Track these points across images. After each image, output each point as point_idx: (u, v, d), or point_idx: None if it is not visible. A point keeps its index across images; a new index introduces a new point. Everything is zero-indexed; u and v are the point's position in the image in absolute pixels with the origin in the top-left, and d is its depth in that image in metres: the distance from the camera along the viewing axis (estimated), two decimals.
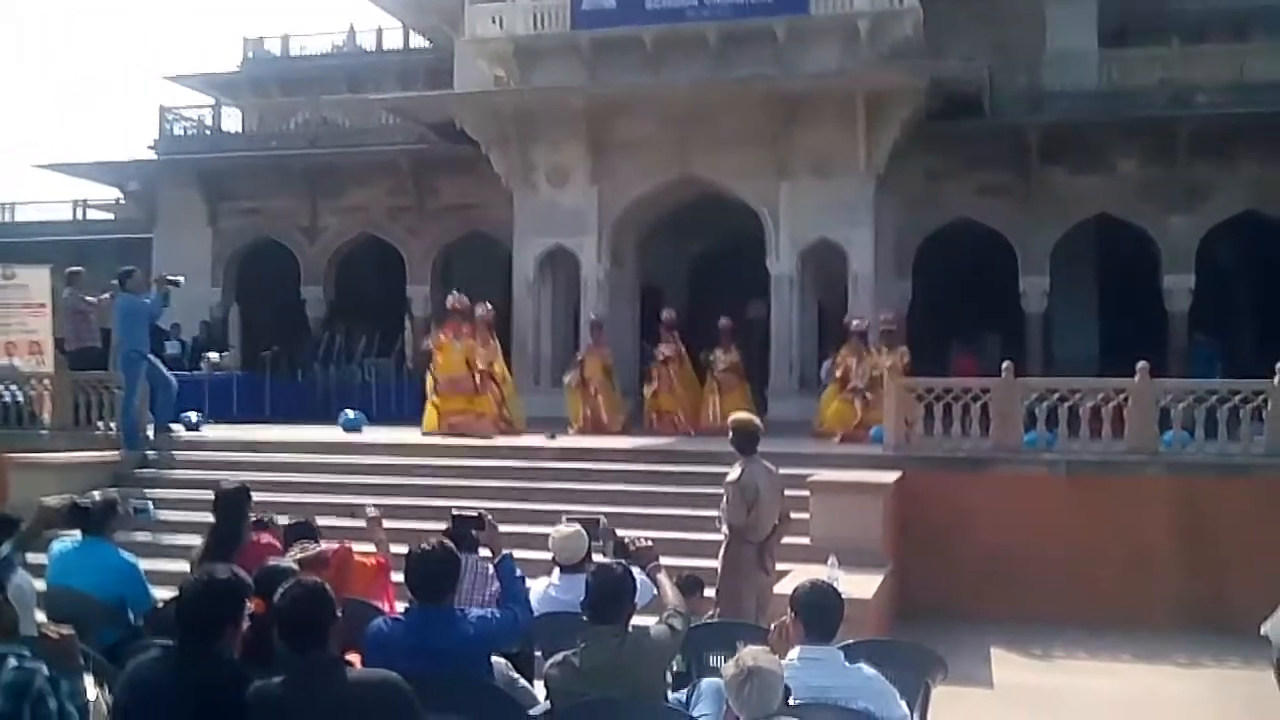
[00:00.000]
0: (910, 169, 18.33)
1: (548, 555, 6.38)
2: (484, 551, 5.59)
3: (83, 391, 12.75)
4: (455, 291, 14.73)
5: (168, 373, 12.91)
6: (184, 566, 6.75)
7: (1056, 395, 10.70)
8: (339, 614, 3.96)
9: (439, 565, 4.52)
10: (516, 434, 13.75)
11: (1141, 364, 10.45)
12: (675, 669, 5.00)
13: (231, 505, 6.32)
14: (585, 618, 4.47)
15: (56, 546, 6.33)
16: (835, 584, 5.42)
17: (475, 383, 13.70)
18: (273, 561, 5.19)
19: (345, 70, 28.64)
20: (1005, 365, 10.81)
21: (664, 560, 5.45)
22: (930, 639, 5.98)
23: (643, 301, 19.91)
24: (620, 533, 5.95)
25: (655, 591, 5.21)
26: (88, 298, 13.39)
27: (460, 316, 14.07)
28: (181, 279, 12.99)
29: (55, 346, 13.96)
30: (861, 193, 17.47)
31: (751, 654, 3.64)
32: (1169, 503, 9.98)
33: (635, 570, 4.82)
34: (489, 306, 14.69)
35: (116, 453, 12.04)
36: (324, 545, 5.95)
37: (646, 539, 5.39)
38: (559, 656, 4.36)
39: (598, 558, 5.69)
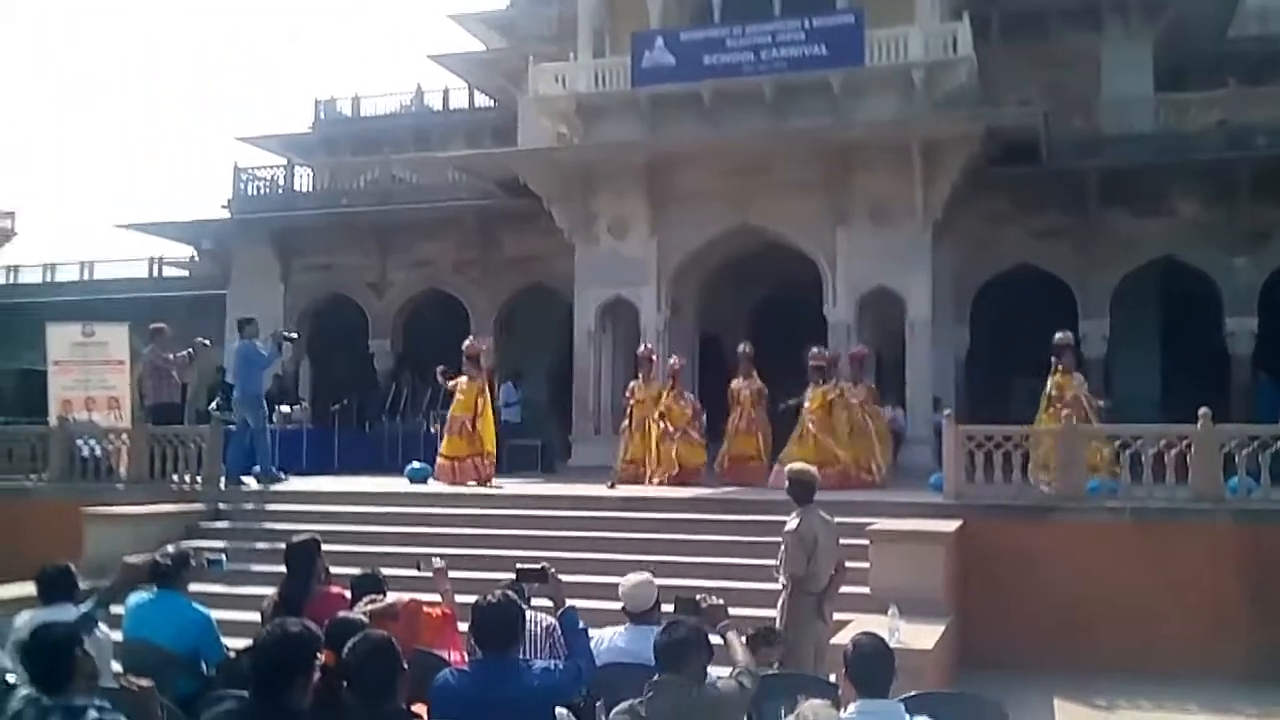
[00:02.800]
0: (968, 215, 18.38)
1: (610, 605, 6.49)
2: (542, 601, 5.69)
3: (159, 445, 13.11)
4: (473, 337, 15.44)
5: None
6: (255, 617, 6.94)
7: (1119, 441, 10.63)
8: (405, 666, 4.09)
9: (504, 617, 4.60)
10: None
11: (1204, 410, 10.37)
12: None
13: (302, 557, 6.44)
14: (657, 670, 4.46)
15: (132, 599, 6.51)
16: (897, 634, 5.48)
17: (472, 427, 14.24)
18: (342, 614, 5.33)
19: (413, 129, 29.37)
20: (1064, 412, 10.76)
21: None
22: (993, 689, 5.98)
23: (702, 349, 20.07)
24: (679, 583, 5.97)
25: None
26: (169, 354, 13.86)
27: (474, 363, 14.56)
28: (296, 334, 13.76)
29: (139, 402, 14.44)
30: (918, 240, 17.54)
31: (811, 709, 3.67)
32: (1236, 550, 9.83)
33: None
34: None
35: (190, 505, 12.37)
36: (391, 597, 6.09)
37: (717, 598, 5.41)
38: (624, 704, 4.40)
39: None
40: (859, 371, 14.49)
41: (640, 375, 15.20)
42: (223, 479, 13.10)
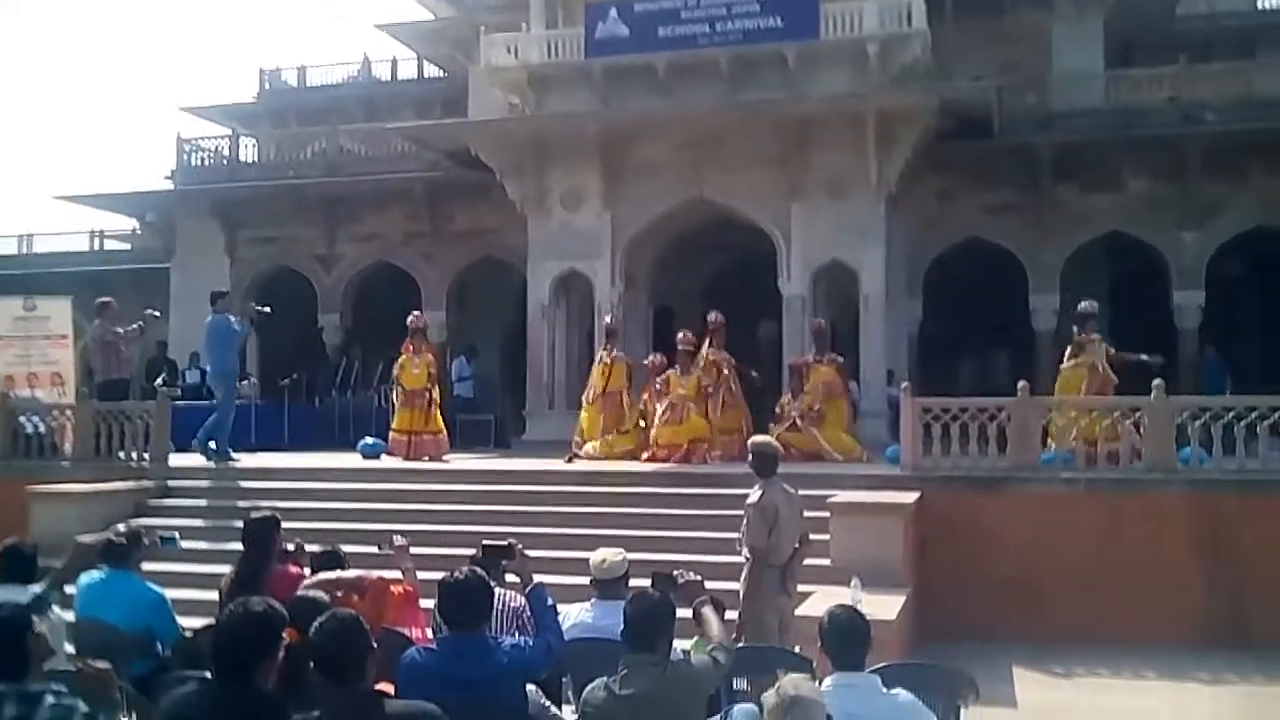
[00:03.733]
0: (921, 189, 18.48)
1: (572, 580, 6.43)
2: (510, 577, 5.62)
3: (104, 422, 12.84)
4: (416, 311, 15.40)
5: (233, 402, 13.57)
6: (209, 595, 6.82)
7: (1073, 413, 10.73)
8: (374, 645, 4.01)
9: (472, 594, 4.54)
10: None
11: (1158, 381, 10.51)
12: None
13: (261, 534, 6.31)
14: (625, 645, 4.46)
15: (84, 579, 6.40)
16: (860, 605, 5.47)
17: (427, 400, 14.24)
18: (304, 591, 5.23)
19: (361, 100, 28.93)
20: (1021, 384, 10.84)
21: None
22: (952, 659, 6.01)
23: (656, 322, 20.03)
24: (642, 557, 5.92)
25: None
26: (117, 329, 13.56)
27: (421, 335, 14.58)
28: (269, 309, 13.96)
29: (87, 377, 14.14)
30: (873, 214, 17.57)
31: (793, 682, 3.63)
32: (1188, 520, 9.97)
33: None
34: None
35: (138, 483, 12.14)
36: (355, 573, 5.98)
37: (694, 573, 5.37)
38: (598, 682, 4.35)
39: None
40: (822, 345, 14.43)
41: (609, 347, 14.73)
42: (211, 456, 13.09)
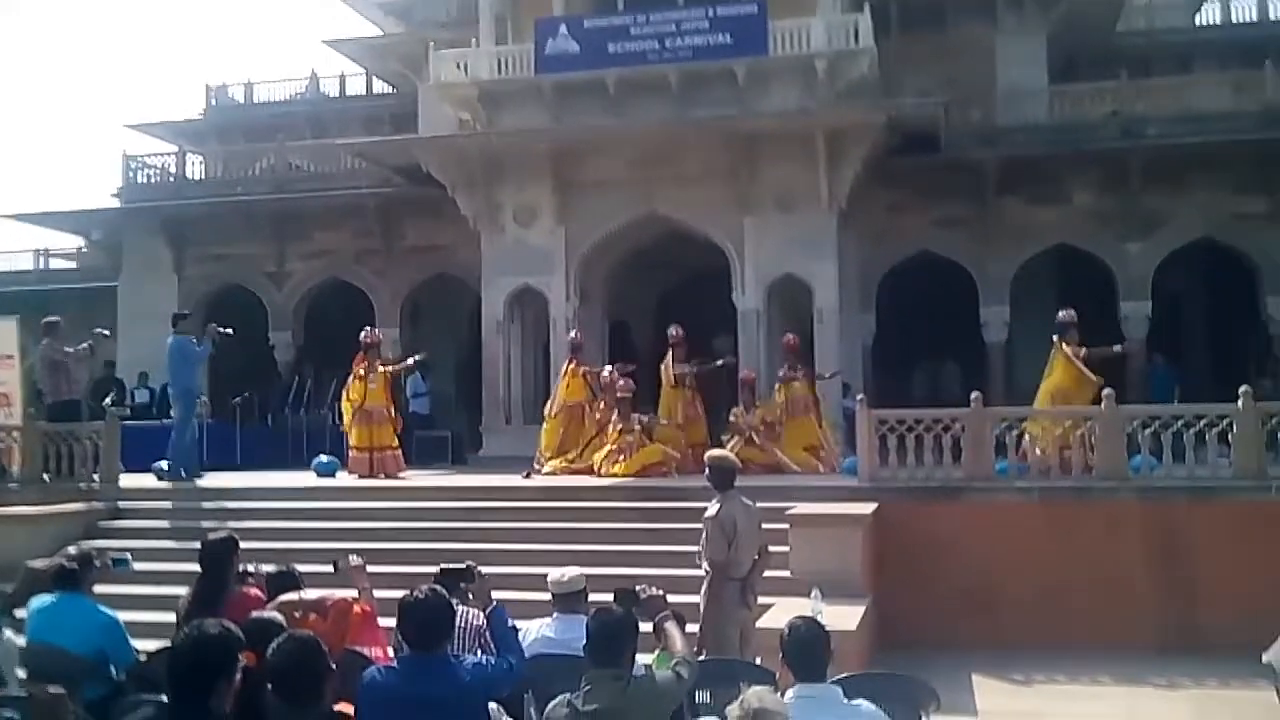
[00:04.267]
0: (871, 204, 18.67)
1: (532, 596, 6.40)
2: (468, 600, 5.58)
3: (52, 443, 12.62)
4: (369, 327, 15.46)
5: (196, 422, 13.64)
6: (163, 618, 6.70)
7: (1025, 423, 10.86)
8: (332, 666, 3.96)
9: (433, 612, 4.48)
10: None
11: (1108, 391, 10.67)
12: None
13: (218, 555, 6.24)
14: (587, 660, 4.44)
15: (35, 602, 6.29)
16: (819, 617, 5.50)
17: (389, 415, 14.26)
18: (260, 613, 5.17)
19: (309, 116, 28.67)
20: (975, 395, 10.96)
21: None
22: (911, 668, 6.04)
23: (611, 337, 20.04)
24: (602, 572, 5.92)
25: None
26: (66, 349, 13.35)
27: (375, 350, 14.56)
28: (230, 330, 13.94)
29: (35, 398, 13.88)
30: (824, 227, 17.72)
31: (756, 695, 3.65)
32: (1141, 527, 10.12)
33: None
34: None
35: (88, 504, 11.94)
36: (315, 594, 5.91)
37: (656, 588, 5.37)
38: (561, 699, 4.33)
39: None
40: (794, 359, 14.57)
41: (573, 363, 14.80)
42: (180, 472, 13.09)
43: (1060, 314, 12.66)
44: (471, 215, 18.86)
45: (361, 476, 13.67)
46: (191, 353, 13.33)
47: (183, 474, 13.19)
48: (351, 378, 14.43)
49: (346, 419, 14.42)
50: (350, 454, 14.11)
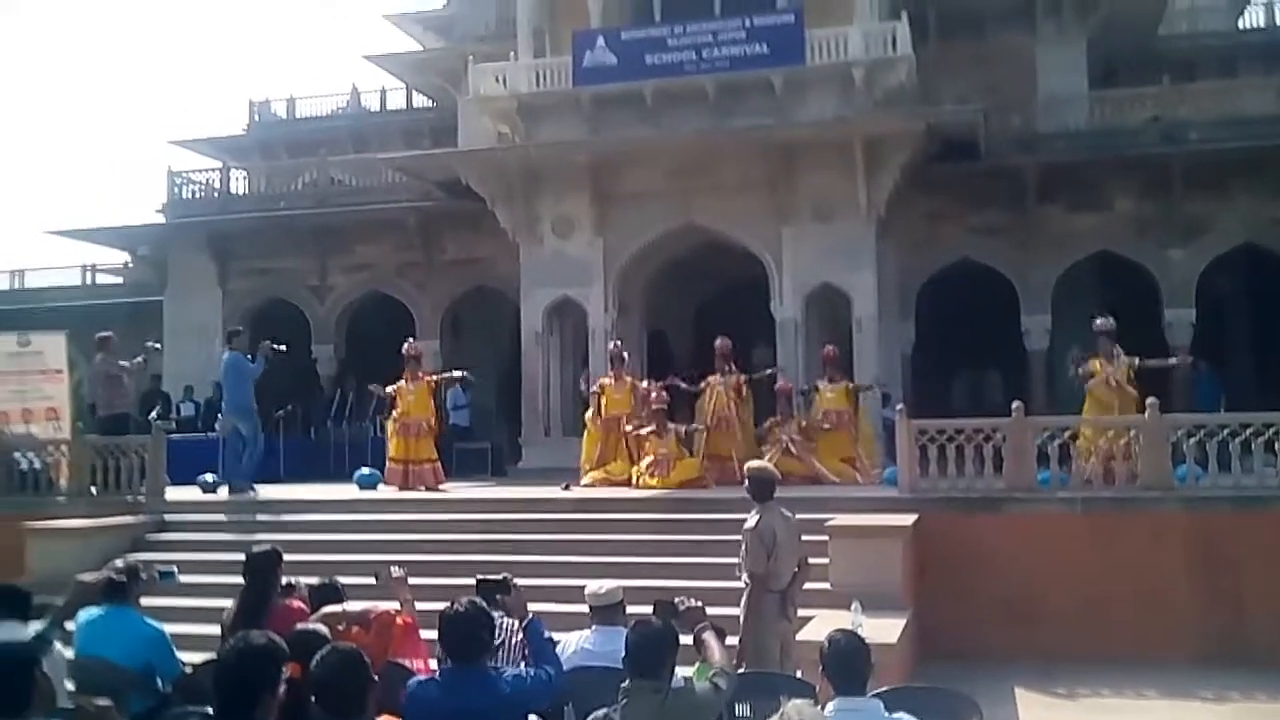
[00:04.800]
0: (910, 212, 18.58)
1: (571, 608, 6.42)
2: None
3: (100, 457, 12.81)
4: (410, 339, 15.54)
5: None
6: (209, 630, 6.79)
7: (1068, 433, 10.77)
8: (375, 678, 4.00)
9: (473, 625, 4.52)
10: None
11: (1152, 400, 10.56)
12: None
13: (263, 568, 6.29)
14: (627, 672, 4.44)
15: (83, 615, 6.36)
16: (860, 629, 5.48)
17: (425, 427, 14.31)
18: (304, 625, 5.21)
19: (350, 131, 29.03)
20: (1016, 405, 10.88)
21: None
22: (953, 681, 6.01)
23: (650, 346, 20.06)
24: (641, 584, 5.91)
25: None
26: (121, 362, 13.63)
27: (416, 363, 14.60)
28: (285, 347, 14.37)
29: (87, 412, 14.17)
30: (863, 236, 17.66)
31: (796, 708, 3.63)
32: (1186, 538, 10.00)
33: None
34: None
35: (135, 517, 12.11)
36: (359, 606, 5.96)
37: (695, 599, 5.37)
38: (600, 712, 4.34)
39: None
40: (834, 370, 14.59)
41: (612, 374, 14.81)
42: (224, 486, 13.35)
43: (1096, 321, 12.48)
44: (510, 227, 18.96)
45: (399, 489, 13.77)
46: (246, 369, 13.61)
47: (250, 488, 13.46)
48: (394, 390, 14.54)
49: (390, 430, 14.55)
50: (387, 466, 14.22)
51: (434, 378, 14.92)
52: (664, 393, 14.07)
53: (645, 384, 14.49)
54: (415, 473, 13.99)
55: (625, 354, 15.27)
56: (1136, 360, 12.08)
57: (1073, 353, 13.07)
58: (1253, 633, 9.46)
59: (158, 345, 15.19)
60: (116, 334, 14.41)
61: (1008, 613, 9.76)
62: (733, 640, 7.11)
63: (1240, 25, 26.39)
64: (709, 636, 5.03)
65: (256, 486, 13.63)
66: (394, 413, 14.51)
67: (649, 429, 13.67)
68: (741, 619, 7.27)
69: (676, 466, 13.32)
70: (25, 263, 32.74)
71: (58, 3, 78.97)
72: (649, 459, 13.48)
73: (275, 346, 13.97)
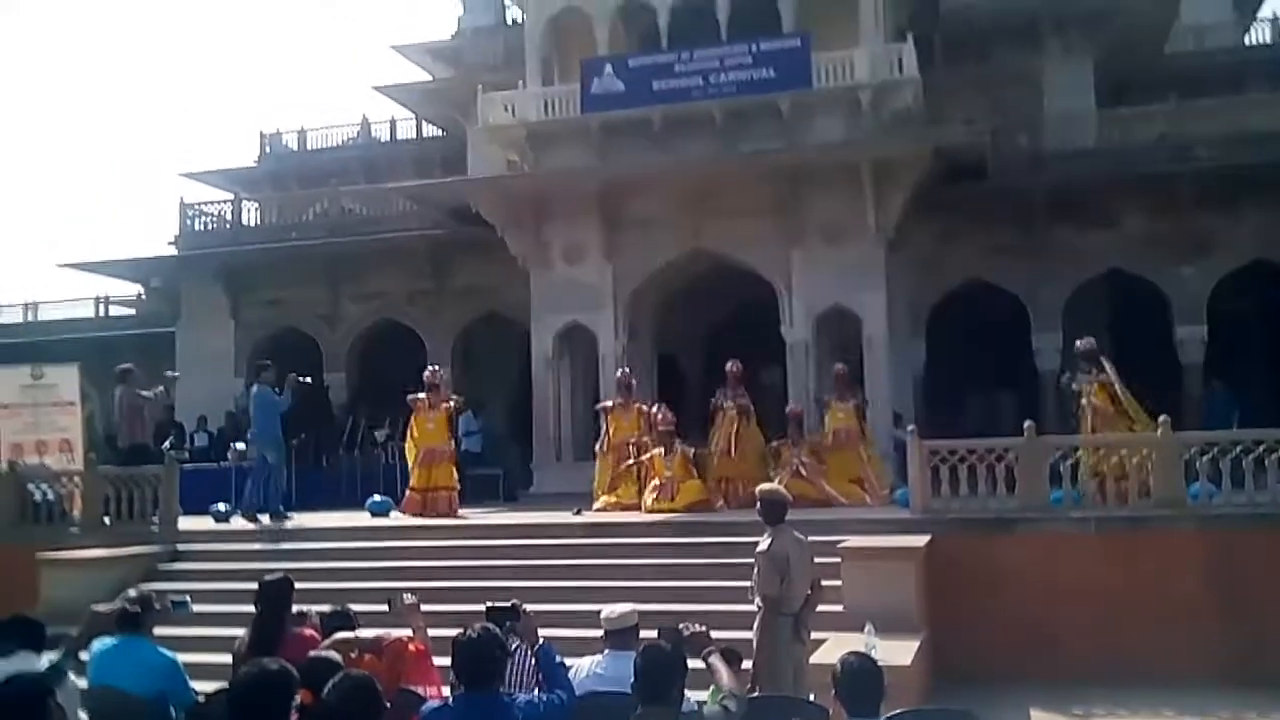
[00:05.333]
0: (919, 233, 18.61)
1: (584, 633, 6.42)
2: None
3: (114, 487, 12.85)
4: (432, 366, 15.61)
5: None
6: (222, 659, 6.78)
7: (1080, 452, 10.73)
8: (388, 705, 4.01)
9: (485, 651, 4.53)
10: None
11: (1164, 418, 10.52)
12: None
13: (275, 596, 6.31)
14: (636, 697, 4.45)
15: (96, 645, 6.38)
16: (873, 652, 5.47)
17: (445, 454, 14.31)
18: (318, 652, 5.23)
19: (361, 161, 29.21)
20: (1027, 424, 10.86)
21: None
22: (969, 703, 5.99)
23: (660, 371, 20.08)
24: (653, 608, 5.91)
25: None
26: (142, 392, 13.76)
27: (436, 391, 14.57)
28: (309, 379, 14.69)
29: (106, 443, 14.28)
30: (872, 258, 17.68)
31: None
32: (1201, 556, 9.93)
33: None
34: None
35: (148, 547, 12.13)
36: (372, 633, 5.97)
37: (700, 625, 5.37)
38: None
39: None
40: (845, 389, 14.58)
41: (621, 400, 14.74)
42: (265, 515, 13.50)
43: (1077, 344, 12.61)
44: (520, 254, 19.05)
45: (414, 516, 13.77)
46: (274, 402, 13.86)
47: (282, 513, 13.67)
48: (414, 417, 14.47)
49: (410, 459, 14.45)
50: (407, 494, 14.22)
51: (448, 404, 14.87)
52: (670, 413, 14.04)
53: (655, 408, 14.44)
54: (431, 499, 13.98)
55: (634, 381, 15.32)
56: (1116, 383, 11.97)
57: (1064, 378, 13.17)
58: (1269, 651, 9.38)
59: (175, 374, 15.35)
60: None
61: (1023, 634, 9.70)
62: (748, 664, 7.10)
63: (1247, 42, 26.43)
64: (715, 660, 5.04)
65: (266, 515, 13.69)
66: (410, 439, 14.45)
67: (655, 451, 13.65)
68: (755, 642, 7.23)
69: (681, 490, 13.26)
70: (38, 296, 33.07)
71: (70, 36, 79.84)
72: (654, 482, 13.46)
73: (301, 379, 14.22)
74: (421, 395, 14.43)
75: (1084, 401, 12.15)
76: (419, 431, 14.38)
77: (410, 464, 14.47)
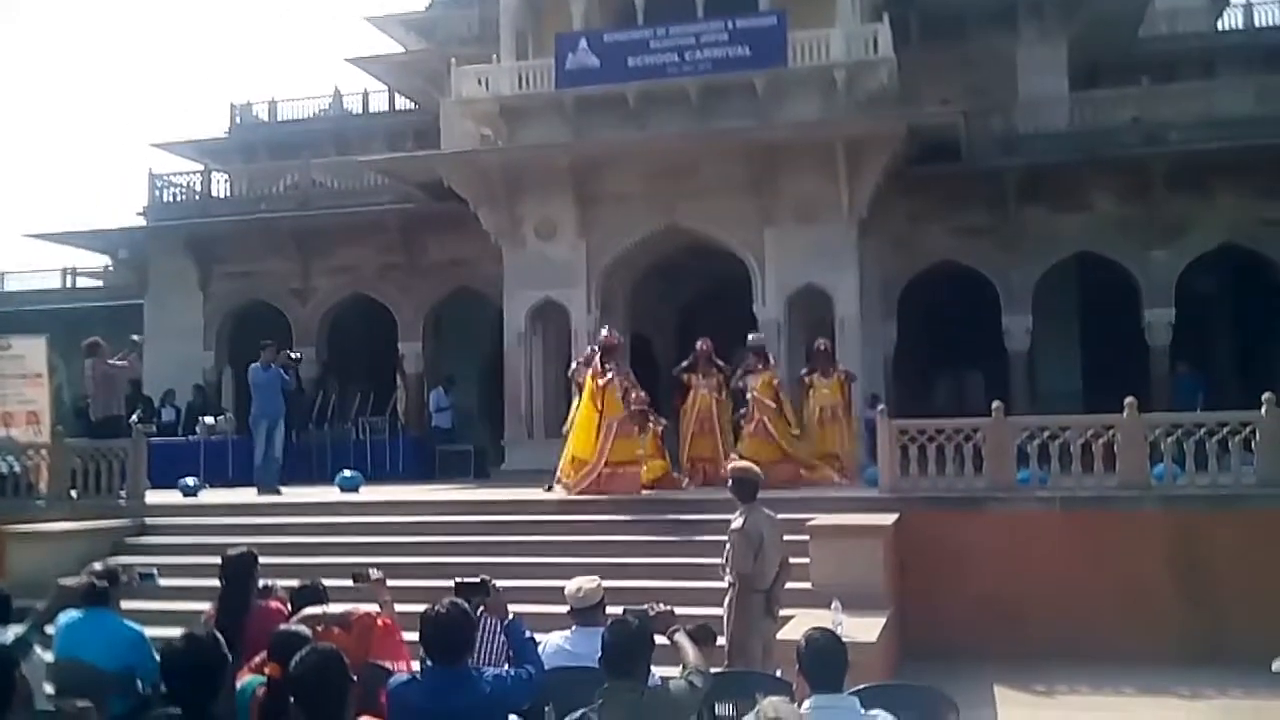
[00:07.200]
0: (892, 213, 18.67)
1: (553, 609, 6.42)
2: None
3: (81, 461, 12.74)
4: (607, 327, 14.07)
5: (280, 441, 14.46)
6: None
7: (1047, 433, 10.82)
8: (355, 679, 4.01)
9: (453, 625, 4.52)
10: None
11: (1129, 399, 10.61)
12: None
13: (239, 570, 6.29)
14: (603, 672, 4.46)
15: (63, 618, 6.34)
16: (840, 628, 5.51)
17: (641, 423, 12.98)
18: (286, 625, 5.21)
19: (332, 133, 28.98)
20: (995, 404, 10.93)
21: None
22: (933, 679, 6.02)
23: (633, 349, 20.06)
24: (623, 584, 5.92)
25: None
26: (113, 361, 13.69)
27: (616, 354, 13.13)
28: (299, 355, 14.90)
29: (76, 416, 14.17)
30: (845, 238, 17.73)
31: (772, 705, 3.66)
32: (1163, 536, 10.05)
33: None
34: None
35: (115, 521, 12.05)
36: (341, 608, 5.96)
37: (664, 604, 5.39)
38: (577, 713, 4.35)
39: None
40: (827, 365, 14.41)
41: (613, 363, 12.98)
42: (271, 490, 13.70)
43: (749, 338, 13.69)
44: (493, 230, 18.97)
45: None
46: (273, 379, 14.11)
47: (276, 488, 13.85)
48: (586, 384, 12.70)
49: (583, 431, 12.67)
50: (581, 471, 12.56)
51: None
52: (642, 393, 13.80)
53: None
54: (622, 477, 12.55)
55: (617, 342, 13.67)
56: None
57: (734, 377, 13.44)
58: (1229, 630, 9.51)
59: (141, 338, 15.27)
60: (98, 337, 14.35)
61: (988, 611, 9.79)
62: (722, 640, 7.14)
63: (1220, 27, 26.60)
64: (680, 637, 5.06)
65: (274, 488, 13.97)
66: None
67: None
68: (726, 619, 7.29)
69: (646, 468, 13.01)
70: (4, 266, 32.67)
71: (40, 5, 78.58)
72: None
73: (291, 355, 14.49)
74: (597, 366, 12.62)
75: (749, 397, 12.81)
76: (609, 401, 12.48)
77: (579, 438, 12.69)
